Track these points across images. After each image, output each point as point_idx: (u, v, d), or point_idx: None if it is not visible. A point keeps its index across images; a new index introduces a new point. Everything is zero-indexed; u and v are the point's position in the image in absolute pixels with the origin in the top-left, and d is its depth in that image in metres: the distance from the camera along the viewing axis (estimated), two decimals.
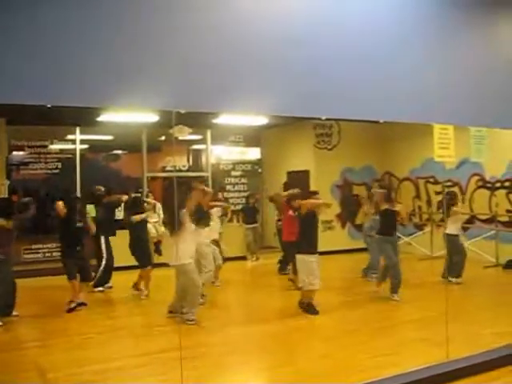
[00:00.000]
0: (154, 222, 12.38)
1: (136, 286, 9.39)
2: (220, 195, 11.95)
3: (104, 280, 9.59)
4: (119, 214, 10.89)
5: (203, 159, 15.04)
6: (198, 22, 4.19)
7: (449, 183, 13.13)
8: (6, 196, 11.63)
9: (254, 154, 15.80)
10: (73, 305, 8.18)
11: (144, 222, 9.61)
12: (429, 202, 13.96)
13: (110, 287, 9.83)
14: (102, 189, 9.99)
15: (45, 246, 12.28)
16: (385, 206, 8.57)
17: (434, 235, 12.96)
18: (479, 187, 12.69)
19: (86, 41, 3.68)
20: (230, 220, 12.92)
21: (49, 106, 3.67)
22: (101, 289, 9.66)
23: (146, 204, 10.35)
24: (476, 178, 12.69)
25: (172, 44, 4.05)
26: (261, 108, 4.81)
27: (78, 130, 13.05)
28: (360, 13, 5.00)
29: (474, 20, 5.78)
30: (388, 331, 6.92)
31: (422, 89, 5.24)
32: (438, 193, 13.66)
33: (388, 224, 8.56)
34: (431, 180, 13.83)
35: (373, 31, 5.05)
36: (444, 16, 5.53)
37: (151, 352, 6.13)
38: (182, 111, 4.02)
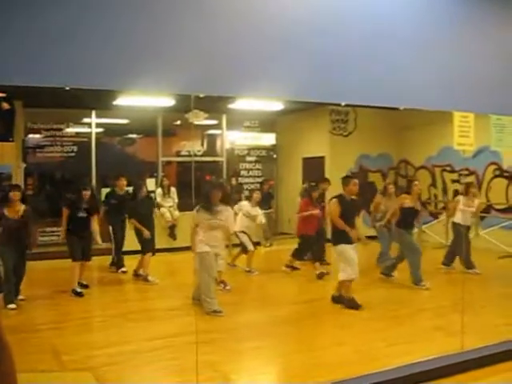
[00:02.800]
0: (169, 206, 12.45)
1: (136, 272, 9.48)
2: (234, 181, 11.98)
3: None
4: None
5: (218, 144, 15.01)
6: (217, 7, 4.16)
7: (465, 172, 13.02)
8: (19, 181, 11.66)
9: (269, 139, 15.70)
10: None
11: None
12: (445, 191, 13.86)
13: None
14: None
15: (59, 228, 12.29)
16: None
17: (450, 224, 12.86)
18: (496, 176, 12.57)
19: (104, 23, 3.66)
20: None
21: (67, 88, 3.66)
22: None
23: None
24: (493, 167, 12.56)
25: (191, 28, 4.02)
26: (280, 92, 4.77)
27: (93, 113, 13.05)
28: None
29: (499, 9, 5.69)
30: (403, 320, 6.89)
31: (444, 76, 5.18)
32: (454, 181, 13.55)
33: None
34: (448, 168, 13.71)
35: (396, 17, 5.00)
36: (471, 5, 5.46)
37: (166, 336, 6.15)
38: (201, 95, 4.00)
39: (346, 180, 7.58)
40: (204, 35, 4.06)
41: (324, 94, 4.76)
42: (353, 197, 7.54)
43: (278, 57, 4.42)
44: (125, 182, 10.12)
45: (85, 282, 8.56)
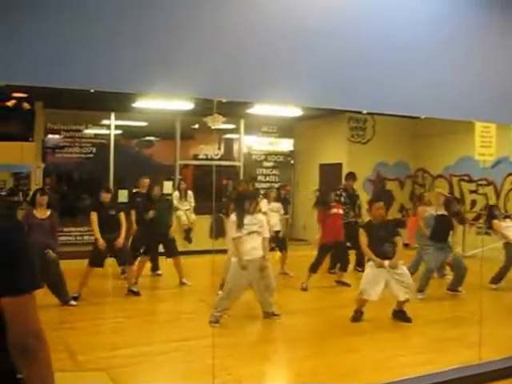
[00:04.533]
0: (186, 209, 12.49)
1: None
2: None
3: None
4: None
5: (235, 149, 15.03)
6: (239, 12, 4.17)
7: (484, 182, 12.92)
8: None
9: (286, 145, 15.70)
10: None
11: None
12: (462, 201, 13.74)
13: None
14: None
15: (77, 228, 12.40)
16: None
17: (467, 234, 12.76)
18: None
19: (126, 26, 3.67)
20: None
21: (92, 90, 3.68)
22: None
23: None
24: None
25: (212, 32, 4.02)
26: (300, 99, 4.78)
27: (112, 115, 13.14)
28: (402, 6, 4.92)
29: None
30: (420, 329, 6.83)
31: (464, 86, 5.15)
32: (472, 191, 13.46)
33: None
34: (465, 178, 13.62)
35: (414, 26, 4.97)
36: (488, 15, 5.42)
37: (182, 339, 6.16)
38: (224, 100, 4.01)
39: (369, 204, 7.30)
40: (226, 40, 4.07)
41: (344, 101, 4.76)
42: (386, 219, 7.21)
43: (299, 63, 4.42)
44: (147, 181, 9.94)
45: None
